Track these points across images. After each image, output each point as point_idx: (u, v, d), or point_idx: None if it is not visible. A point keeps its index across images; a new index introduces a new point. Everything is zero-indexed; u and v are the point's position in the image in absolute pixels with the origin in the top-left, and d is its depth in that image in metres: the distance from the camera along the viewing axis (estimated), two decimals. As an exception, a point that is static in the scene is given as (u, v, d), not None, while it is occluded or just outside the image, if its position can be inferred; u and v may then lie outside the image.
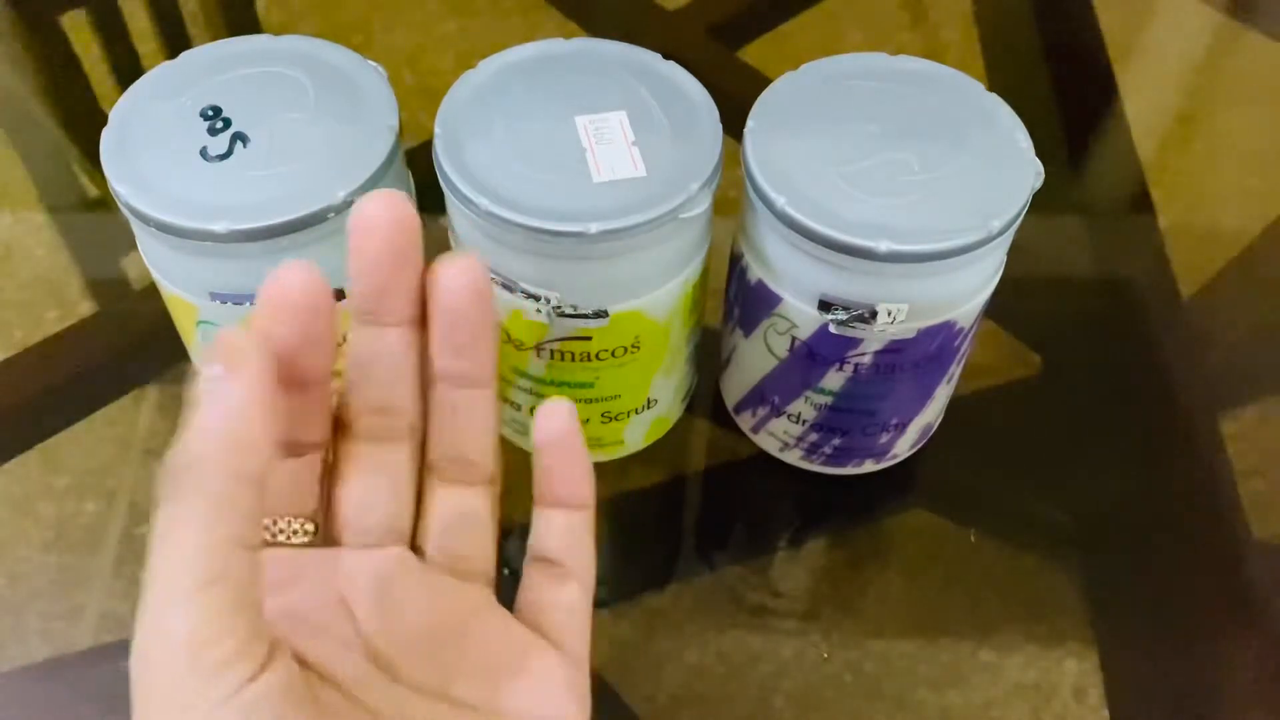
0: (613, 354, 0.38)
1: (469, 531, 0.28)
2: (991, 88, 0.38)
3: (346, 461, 0.27)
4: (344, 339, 0.27)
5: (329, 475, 0.28)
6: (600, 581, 0.30)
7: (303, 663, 0.25)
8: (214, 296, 0.35)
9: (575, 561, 0.29)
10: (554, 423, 0.28)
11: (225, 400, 0.23)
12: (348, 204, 0.34)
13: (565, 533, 0.29)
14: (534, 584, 0.29)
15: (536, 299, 0.36)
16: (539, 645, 0.28)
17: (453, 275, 0.26)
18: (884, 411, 0.40)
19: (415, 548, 0.28)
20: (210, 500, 0.22)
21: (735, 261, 0.40)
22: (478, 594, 0.28)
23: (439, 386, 0.27)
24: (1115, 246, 0.54)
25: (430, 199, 0.38)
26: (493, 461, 0.28)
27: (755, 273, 0.38)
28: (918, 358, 0.38)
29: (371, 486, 0.27)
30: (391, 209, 0.25)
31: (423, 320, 0.27)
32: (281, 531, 0.27)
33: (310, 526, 0.27)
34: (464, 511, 0.28)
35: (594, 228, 0.33)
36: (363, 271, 0.26)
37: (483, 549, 0.29)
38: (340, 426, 0.27)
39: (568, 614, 0.29)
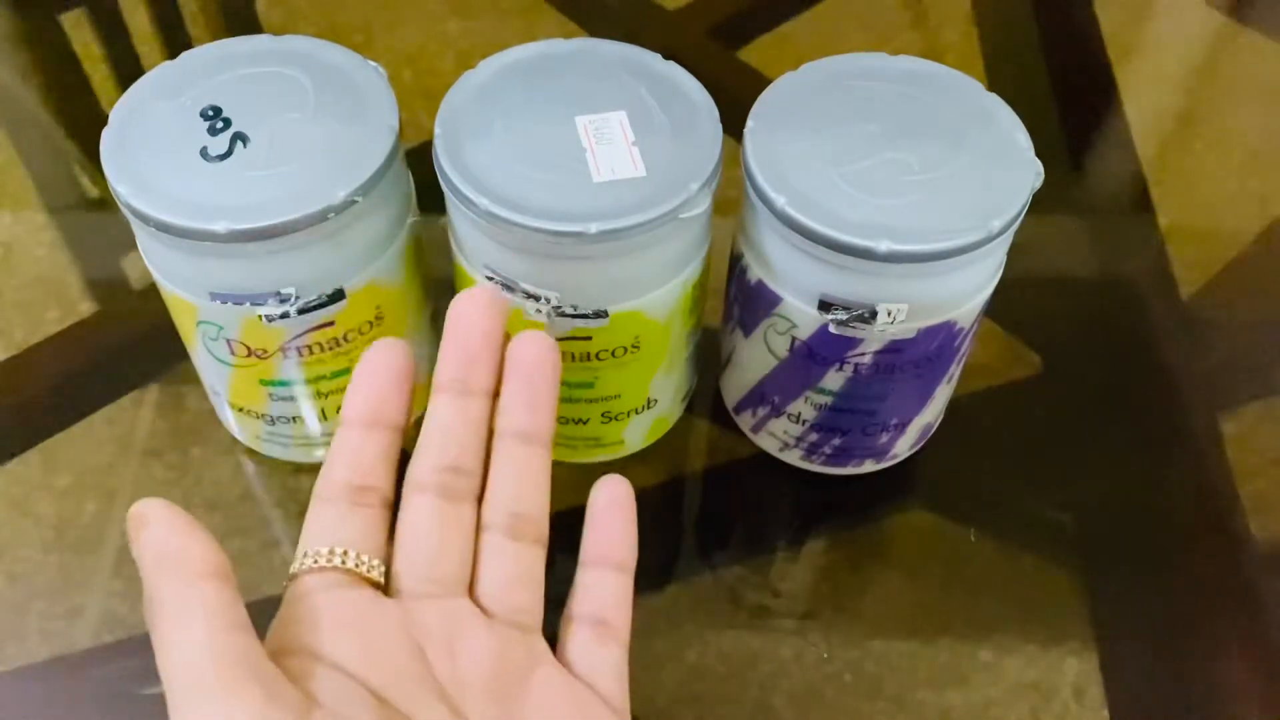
0: (613, 354, 0.38)
1: (525, 587, 0.30)
2: (991, 88, 0.38)
3: (419, 514, 0.30)
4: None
5: (396, 527, 0.30)
6: (629, 651, 0.31)
7: (381, 700, 0.27)
8: (214, 296, 0.35)
9: (619, 622, 0.31)
10: (615, 489, 0.31)
11: (151, 543, 0.26)
12: (348, 204, 0.34)
13: (615, 592, 0.31)
14: (581, 643, 0.31)
15: (536, 299, 0.36)
16: (594, 700, 0.30)
17: (532, 343, 0.31)
18: (884, 411, 0.40)
19: (474, 600, 0.30)
20: (177, 607, 0.25)
21: (735, 261, 0.40)
22: (537, 646, 0.30)
23: (505, 444, 0.31)
24: (1115, 246, 0.54)
25: (430, 199, 0.38)
26: (544, 519, 0.31)
27: (755, 273, 0.38)
28: (918, 358, 0.38)
29: (445, 539, 0.30)
30: (485, 301, 0.31)
31: (495, 393, 0.31)
32: (361, 564, 0.29)
33: (383, 567, 0.29)
34: (521, 567, 0.30)
35: (594, 228, 0.33)
36: (460, 349, 0.31)
37: (536, 604, 0.31)
38: (412, 485, 0.30)
39: (614, 670, 0.30)
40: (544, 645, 0.30)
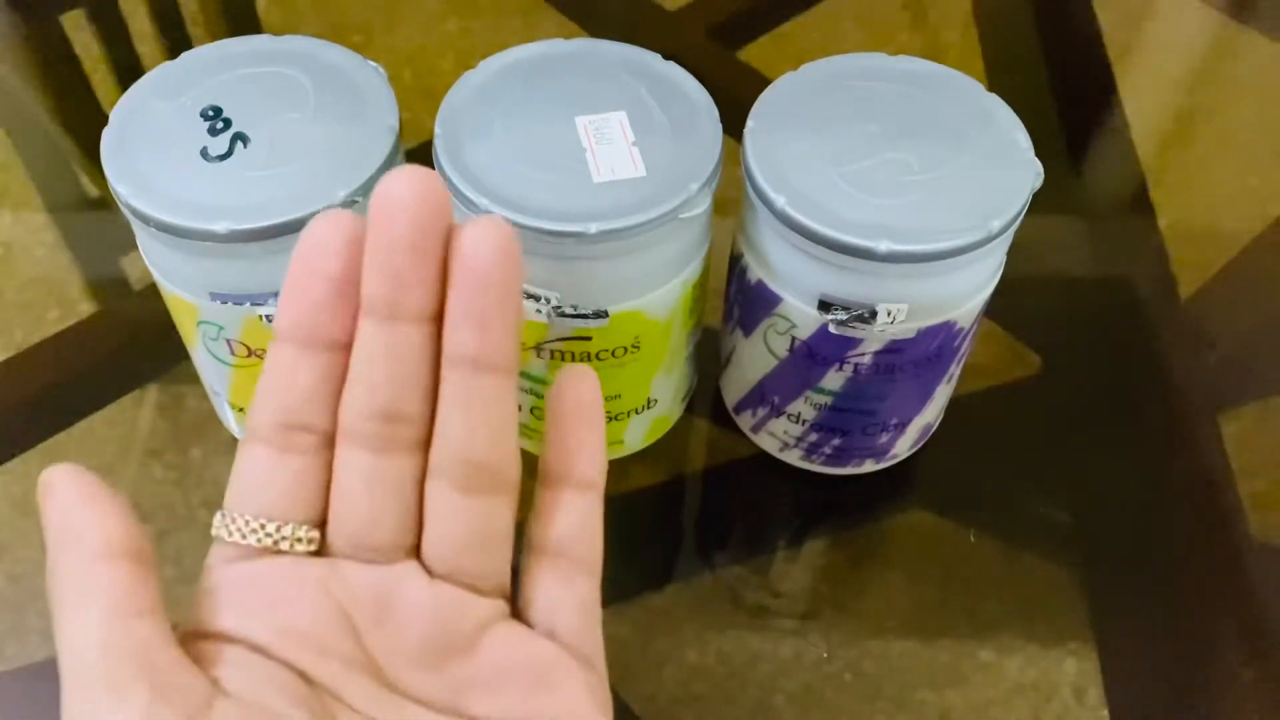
0: (613, 354, 0.38)
1: (481, 548, 0.26)
2: (991, 88, 0.38)
3: (350, 472, 0.25)
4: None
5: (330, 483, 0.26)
6: (600, 581, 0.30)
7: (309, 682, 0.25)
8: (214, 296, 0.35)
9: (584, 551, 0.27)
10: (577, 389, 0.26)
11: (54, 514, 0.24)
12: (348, 204, 0.34)
13: (575, 517, 0.27)
14: (539, 581, 0.27)
15: (536, 299, 0.36)
16: (555, 653, 0.26)
17: (478, 235, 0.23)
18: (884, 411, 0.40)
19: (422, 560, 0.26)
20: (73, 589, 0.23)
21: (735, 261, 0.40)
22: (489, 606, 0.26)
23: (453, 377, 0.24)
24: (1115, 246, 0.54)
25: (430, 199, 0.38)
26: (511, 465, 0.26)
27: (755, 273, 0.38)
28: (918, 358, 0.38)
29: (379, 504, 0.25)
30: (420, 185, 0.23)
31: (440, 315, 0.24)
32: (285, 539, 0.25)
33: (314, 534, 0.26)
34: (473, 526, 0.26)
35: (594, 228, 0.33)
36: (382, 256, 0.23)
37: (499, 565, 0.27)
38: (341, 433, 0.25)
39: (579, 612, 0.27)
40: (501, 605, 0.27)
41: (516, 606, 0.27)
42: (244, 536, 0.25)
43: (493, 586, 0.27)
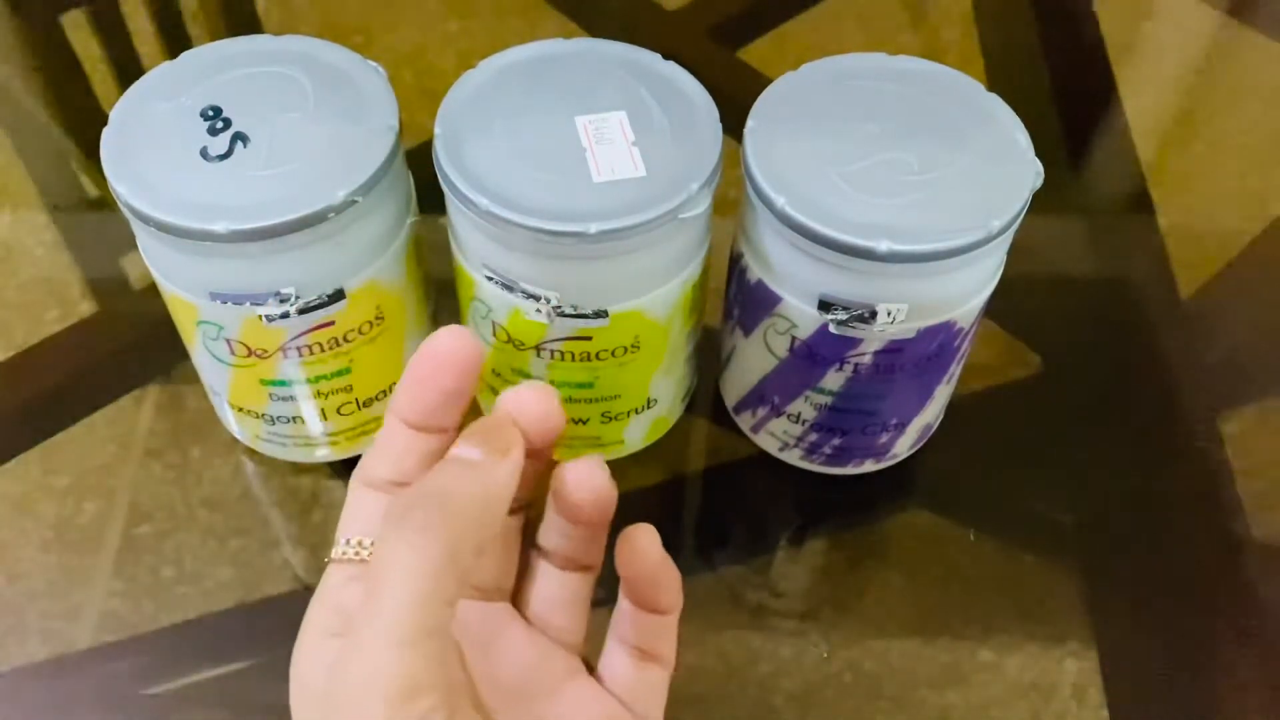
0: (613, 354, 0.38)
1: (568, 608, 0.30)
2: (991, 88, 0.38)
3: None
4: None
5: None
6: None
7: None
8: (214, 296, 0.35)
9: (662, 649, 0.30)
10: (654, 550, 0.29)
11: (486, 474, 0.25)
12: (348, 204, 0.34)
13: (658, 632, 0.30)
14: (619, 659, 0.30)
15: (536, 299, 0.36)
16: (624, 714, 0.29)
17: (590, 490, 0.28)
18: (884, 411, 0.40)
19: (516, 607, 0.30)
20: (451, 551, 0.23)
21: (735, 261, 0.40)
22: (573, 661, 0.30)
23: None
24: (1115, 246, 0.54)
25: (430, 199, 0.38)
26: (598, 556, 0.30)
27: (755, 273, 0.38)
28: (918, 358, 0.38)
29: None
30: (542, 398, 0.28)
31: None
32: None
33: None
34: (566, 591, 0.30)
35: (594, 228, 0.33)
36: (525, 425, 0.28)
37: (578, 624, 0.30)
38: None
39: (648, 691, 0.30)
40: (580, 664, 0.30)
41: (596, 674, 0.30)
42: (359, 550, 0.27)
43: (573, 646, 0.30)
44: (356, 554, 0.27)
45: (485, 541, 0.25)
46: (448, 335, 0.27)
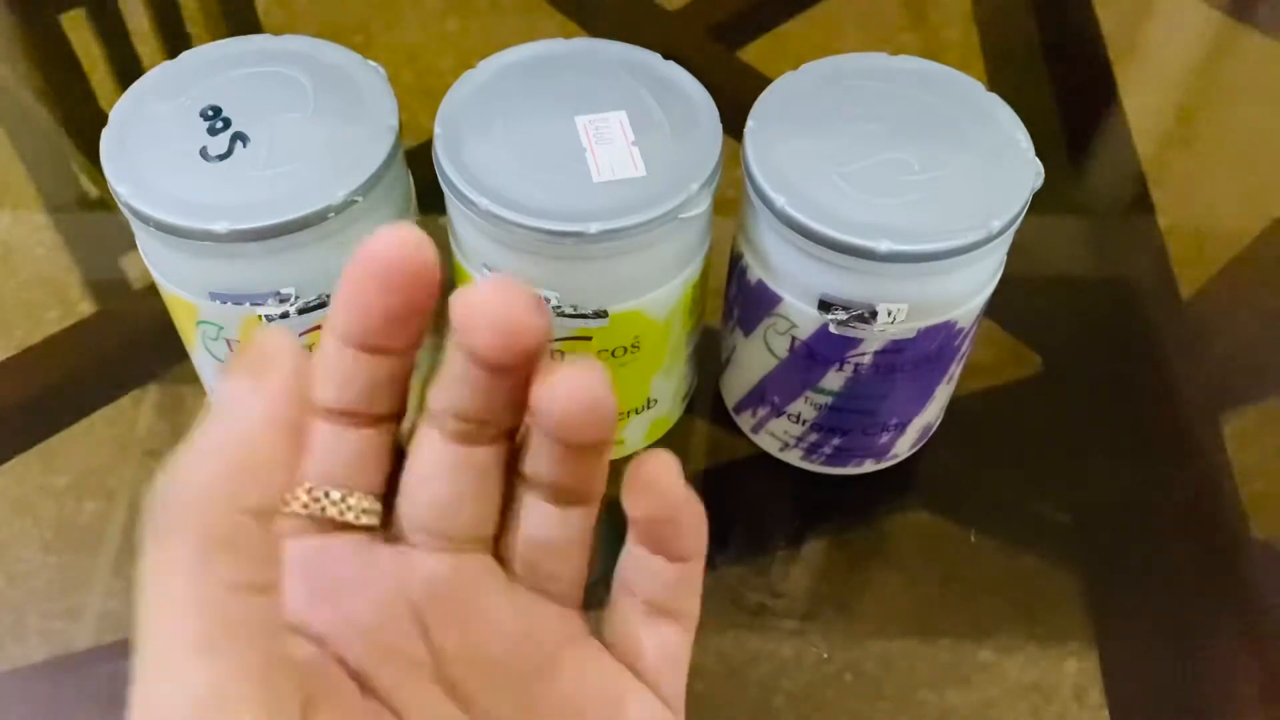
0: (613, 354, 0.38)
1: (563, 551, 0.24)
2: (991, 88, 0.38)
3: (429, 451, 0.23)
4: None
5: (400, 460, 0.23)
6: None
7: (364, 686, 0.22)
8: (214, 296, 0.35)
9: (679, 605, 0.25)
10: (663, 489, 0.23)
11: (235, 417, 0.18)
12: (348, 204, 0.34)
13: (673, 581, 0.24)
14: (626, 617, 0.25)
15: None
16: (636, 688, 0.24)
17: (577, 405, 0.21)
18: (884, 411, 0.40)
19: (498, 558, 0.24)
20: (205, 540, 0.18)
21: (735, 261, 0.40)
22: (571, 620, 0.24)
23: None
24: (1115, 246, 0.54)
25: (430, 199, 0.38)
26: (601, 481, 0.24)
27: (755, 273, 0.38)
28: (918, 358, 0.38)
29: (457, 487, 0.23)
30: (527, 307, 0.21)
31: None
32: (349, 509, 0.22)
33: (378, 508, 0.23)
34: (559, 527, 0.24)
35: (594, 228, 0.33)
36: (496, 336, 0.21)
37: (576, 570, 0.24)
38: (426, 414, 0.23)
39: (664, 656, 0.25)
40: (580, 620, 0.25)
41: (600, 635, 0.25)
42: (304, 506, 0.22)
43: (567, 595, 0.24)
44: (304, 505, 0.22)
45: (260, 499, 0.18)
46: (389, 237, 0.21)
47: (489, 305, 0.20)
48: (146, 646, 0.18)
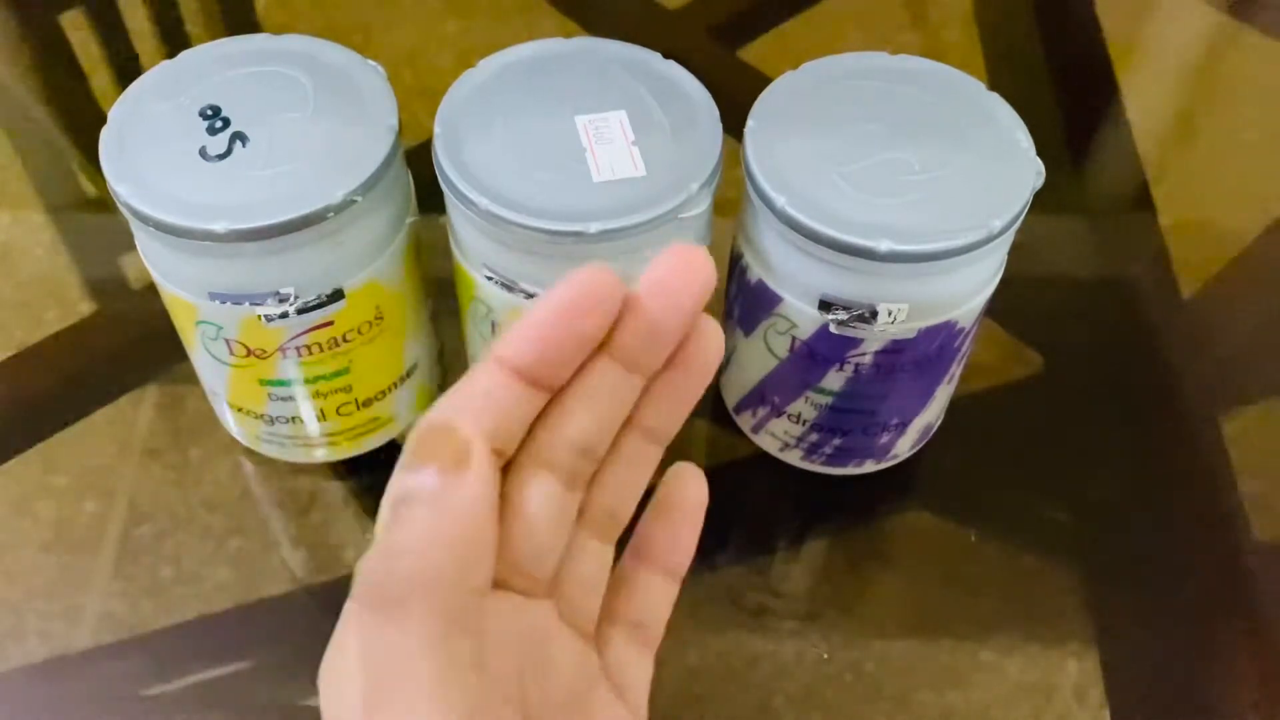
0: (613, 354, 0.38)
1: (596, 592, 0.27)
2: (992, 87, 0.38)
3: (540, 498, 0.24)
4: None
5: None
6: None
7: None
8: (213, 296, 0.35)
9: (657, 630, 0.28)
10: (690, 490, 0.27)
11: (448, 508, 0.21)
12: (347, 203, 0.34)
13: (662, 600, 0.28)
14: (619, 649, 0.27)
15: (535, 298, 0.36)
16: (624, 715, 0.27)
17: (714, 342, 0.25)
18: (884, 411, 0.40)
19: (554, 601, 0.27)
20: (447, 619, 0.20)
21: (735, 261, 0.39)
22: (595, 658, 0.27)
23: (633, 438, 0.26)
24: (1115, 246, 0.54)
25: (430, 199, 0.38)
26: (627, 520, 0.27)
27: (755, 273, 0.38)
28: (918, 357, 0.38)
29: (555, 538, 0.25)
30: (706, 272, 0.24)
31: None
32: None
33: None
34: (599, 572, 0.27)
35: (594, 228, 0.33)
36: (653, 323, 0.24)
37: (597, 608, 0.27)
38: (540, 457, 0.24)
39: (643, 684, 0.28)
40: (597, 659, 0.27)
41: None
42: None
43: (590, 631, 0.27)
44: None
45: (484, 578, 0.21)
46: (593, 273, 0.23)
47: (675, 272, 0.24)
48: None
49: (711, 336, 0.25)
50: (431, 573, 0.20)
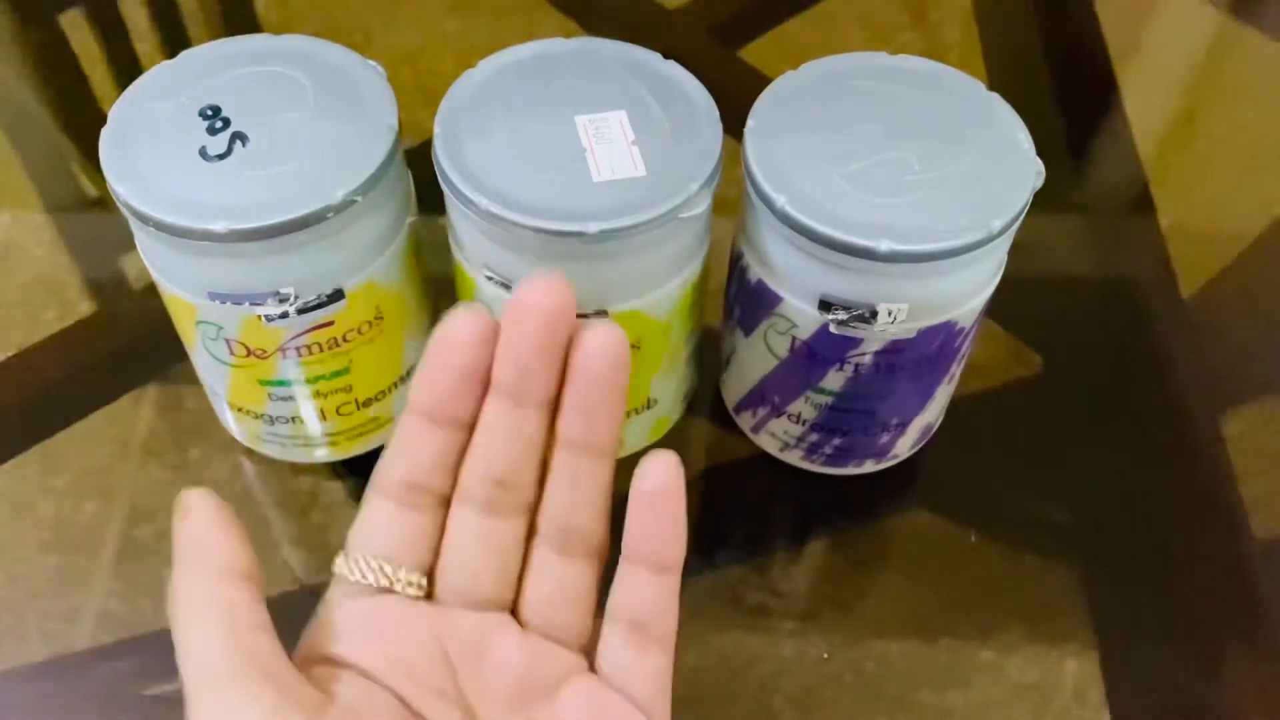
0: (613, 354, 0.38)
1: (569, 606, 0.29)
2: (992, 88, 0.38)
3: (462, 531, 0.28)
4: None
5: (442, 537, 0.29)
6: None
7: (407, 707, 0.27)
8: (213, 296, 0.35)
9: (660, 625, 0.29)
10: (662, 476, 0.28)
11: (187, 532, 0.27)
12: (347, 203, 0.34)
13: (652, 594, 0.28)
14: (617, 649, 0.29)
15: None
16: (627, 711, 0.28)
17: (596, 341, 0.27)
18: (884, 411, 0.40)
19: (516, 612, 0.29)
20: (198, 602, 0.26)
21: (735, 261, 0.39)
22: (571, 660, 0.29)
23: (561, 453, 0.28)
24: (1115, 246, 0.54)
25: (430, 199, 0.38)
26: (601, 533, 0.29)
27: (755, 273, 0.38)
28: (918, 357, 0.38)
29: (483, 564, 0.28)
30: (552, 298, 0.26)
31: (556, 400, 0.28)
32: (398, 581, 0.28)
33: (423, 581, 0.29)
34: (567, 586, 0.29)
35: (594, 228, 0.33)
36: (513, 355, 0.27)
37: (580, 621, 0.29)
38: (460, 492, 0.28)
39: (652, 681, 0.29)
40: (582, 660, 0.29)
41: (594, 667, 0.29)
42: (364, 575, 0.28)
43: (575, 642, 0.29)
44: (364, 576, 0.28)
45: (234, 569, 0.26)
46: (460, 314, 0.27)
47: (538, 298, 0.26)
48: (185, 677, 0.26)
49: (592, 343, 0.27)
50: (187, 564, 0.27)
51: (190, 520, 0.27)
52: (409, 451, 0.28)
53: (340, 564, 0.29)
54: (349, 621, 0.28)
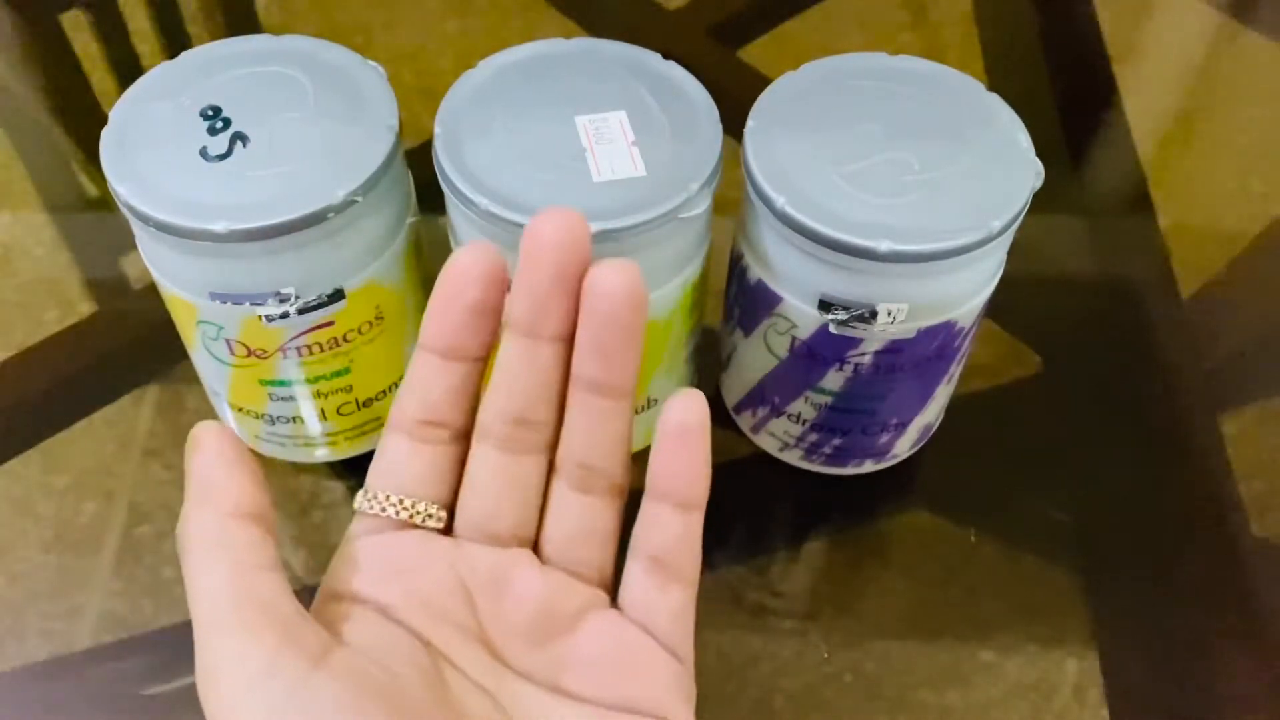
0: (613, 354, 0.38)
1: (590, 542, 0.29)
2: (991, 88, 0.38)
3: (481, 467, 0.29)
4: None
5: (463, 473, 0.29)
6: (696, 591, 0.30)
7: (426, 645, 0.27)
8: (214, 296, 0.35)
9: (682, 562, 0.29)
10: (685, 414, 0.27)
11: (198, 468, 0.26)
12: (348, 203, 0.34)
13: (675, 532, 0.28)
14: (639, 584, 0.29)
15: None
16: (649, 645, 0.29)
17: (610, 276, 0.26)
18: (884, 411, 0.40)
19: (537, 549, 0.29)
20: (206, 541, 0.26)
21: (735, 261, 0.40)
22: (592, 594, 0.29)
23: (578, 394, 0.28)
24: (1115, 246, 0.54)
25: (430, 199, 0.38)
26: (622, 473, 0.29)
27: (755, 273, 0.38)
28: (918, 358, 0.38)
29: (503, 498, 0.29)
30: (566, 230, 0.26)
31: (572, 336, 0.27)
32: (418, 514, 0.28)
33: (443, 514, 0.29)
34: (587, 523, 0.29)
35: (594, 228, 0.33)
36: (529, 288, 0.27)
37: (602, 558, 0.29)
38: (479, 430, 0.29)
39: (674, 618, 0.29)
40: (602, 595, 0.29)
41: (617, 603, 0.29)
42: (383, 509, 0.28)
43: (596, 578, 0.29)
44: (383, 509, 0.28)
45: (242, 510, 0.26)
46: (470, 250, 0.27)
47: (553, 229, 0.26)
48: (195, 626, 0.25)
49: (605, 279, 0.26)
50: (189, 506, 0.26)
51: (199, 457, 0.26)
52: (421, 387, 0.28)
53: (360, 499, 0.29)
54: (368, 556, 0.28)
